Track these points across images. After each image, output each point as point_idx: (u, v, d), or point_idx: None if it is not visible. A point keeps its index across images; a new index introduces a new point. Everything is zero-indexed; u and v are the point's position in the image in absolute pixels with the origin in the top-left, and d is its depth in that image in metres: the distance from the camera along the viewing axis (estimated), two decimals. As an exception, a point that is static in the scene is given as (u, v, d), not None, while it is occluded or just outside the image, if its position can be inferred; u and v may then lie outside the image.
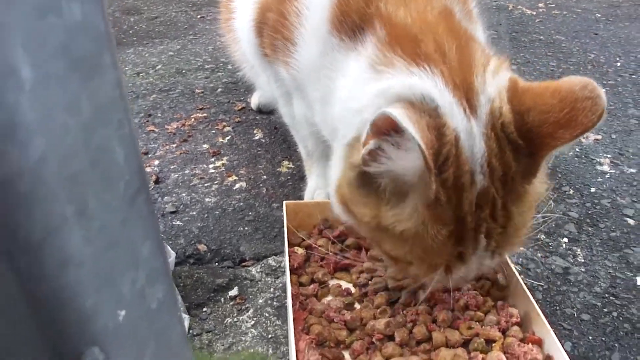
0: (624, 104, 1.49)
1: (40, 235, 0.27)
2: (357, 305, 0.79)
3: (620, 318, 0.83)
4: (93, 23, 0.29)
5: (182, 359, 0.41)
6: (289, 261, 0.81)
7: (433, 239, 0.61)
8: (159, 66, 1.78)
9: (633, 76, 1.68)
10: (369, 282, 0.81)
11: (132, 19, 2.34)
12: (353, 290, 0.81)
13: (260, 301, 0.84)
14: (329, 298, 0.80)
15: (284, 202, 0.87)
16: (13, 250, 0.27)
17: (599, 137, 1.32)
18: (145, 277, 0.35)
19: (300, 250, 0.84)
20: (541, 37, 2.01)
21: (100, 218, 0.30)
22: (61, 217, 0.28)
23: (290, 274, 0.79)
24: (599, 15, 2.30)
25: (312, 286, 0.80)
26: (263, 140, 1.27)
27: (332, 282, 0.82)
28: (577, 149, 1.26)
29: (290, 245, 0.85)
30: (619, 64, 1.78)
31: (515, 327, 0.73)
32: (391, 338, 0.72)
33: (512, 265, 0.79)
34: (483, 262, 0.66)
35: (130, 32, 2.19)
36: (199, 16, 2.35)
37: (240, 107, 1.43)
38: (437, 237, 0.61)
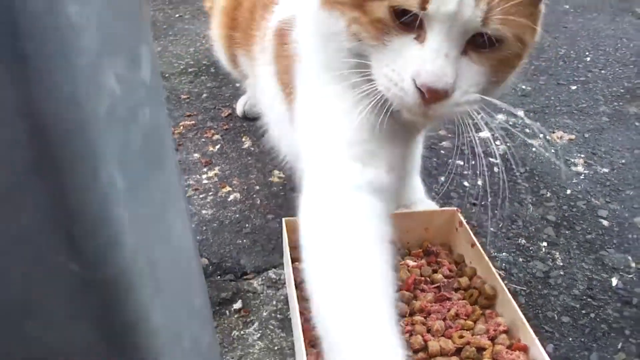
0: (595, 101, 1.56)
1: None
2: None
3: (598, 319, 0.90)
4: (159, 122, 0.33)
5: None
6: (293, 277, 0.86)
7: None
8: (141, 69, 1.79)
9: (602, 71, 1.75)
10: None
11: (108, 17, 2.34)
12: None
13: (264, 314, 0.89)
14: None
15: (283, 219, 0.92)
16: None
17: (573, 136, 1.39)
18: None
19: (301, 266, 0.89)
20: (513, 32, 2.06)
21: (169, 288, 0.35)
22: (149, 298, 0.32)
23: (295, 288, 0.85)
24: (568, 7, 2.37)
25: None
26: (252, 149, 1.31)
27: None
28: (553, 150, 1.32)
29: (292, 260, 0.90)
30: (588, 58, 1.85)
31: (503, 335, 0.79)
32: None
33: (497, 274, 0.85)
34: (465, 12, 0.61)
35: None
36: (177, 15, 2.35)
37: (227, 114, 1.46)
38: None
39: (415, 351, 0.78)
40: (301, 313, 0.81)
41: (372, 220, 0.73)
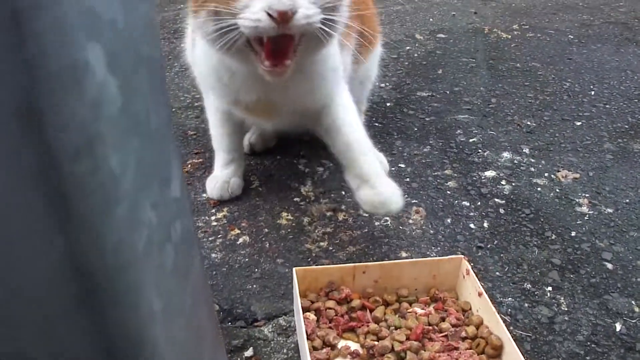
0: (600, 138, 1.58)
1: None
2: None
3: (603, 367, 0.91)
4: (187, 230, 0.35)
5: None
6: (305, 327, 0.88)
7: None
8: (150, 103, 1.82)
9: (607, 106, 1.77)
10: (375, 343, 0.88)
11: (117, 49, 2.37)
12: (361, 351, 0.88)
13: (274, 363, 0.91)
14: (339, 359, 0.88)
15: (294, 269, 0.94)
16: None
17: (577, 175, 1.40)
18: None
19: (312, 316, 0.91)
20: (518, 64, 2.09)
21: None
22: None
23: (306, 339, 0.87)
24: (572, 37, 2.39)
25: (324, 350, 0.87)
26: (260, 189, 1.33)
27: (341, 344, 0.89)
28: (557, 190, 1.34)
29: (303, 310, 0.92)
30: (593, 92, 1.87)
31: (510, 386, 0.80)
32: None
33: (503, 325, 0.86)
34: None
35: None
36: (182, 44, 2.38)
37: (235, 151, 1.49)
38: None
39: (424, 401, 0.80)
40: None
41: None
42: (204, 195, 1.32)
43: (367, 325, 0.92)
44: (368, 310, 0.95)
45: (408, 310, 0.95)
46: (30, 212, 0.23)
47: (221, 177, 1.29)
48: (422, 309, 0.96)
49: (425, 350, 0.87)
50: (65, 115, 0.23)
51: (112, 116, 0.25)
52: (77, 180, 0.24)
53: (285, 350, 0.92)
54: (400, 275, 0.98)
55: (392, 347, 0.87)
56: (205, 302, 0.37)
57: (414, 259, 1.05)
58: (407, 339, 0.89)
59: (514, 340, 0.84)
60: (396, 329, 0.91)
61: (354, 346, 0.89)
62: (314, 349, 0.88)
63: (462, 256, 0.99)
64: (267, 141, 1.49)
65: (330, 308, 0.94)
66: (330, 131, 1.14)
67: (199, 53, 1.16)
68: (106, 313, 0.27)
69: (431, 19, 2.62)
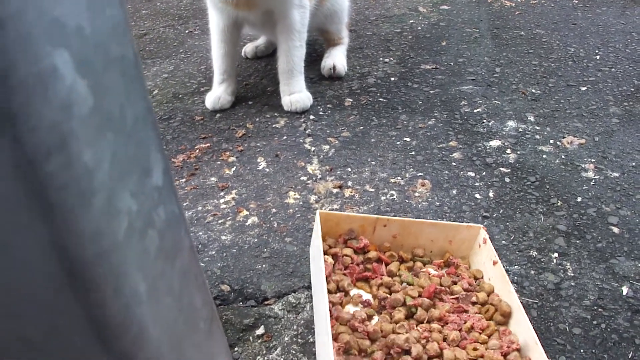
0: (605, 102, 1.58)
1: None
2: (376, 316, 0.89)
3: (608, 329, 0.92)
4: (173, 215, 0.37)
5: None
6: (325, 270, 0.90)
7: None
8: (156, 91, 1.84)
9: (612, 70, 1.76)
10: (388, 296, 0.91)
11: (122, 37, 2.39)
12: (373, 301, 0.91)
13: (286, 339, 0.93)
14: (350, 306, 0.91)
15: (317, 212, 0.97)
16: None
17: (583, 140, 1.40)
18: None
19: (329, 260, 0.94)
20: (522, 32, 2.08)
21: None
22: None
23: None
24: (576, 2, 2.37)
25: (338, 295, 0.91)
26: (267, 170, 1.35)
27: (354, 292, 0.92)
28: (563, 156, 1.34)
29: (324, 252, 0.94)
30: (598, 57, 1.86)
31: (515, 353, 0.82)
32: (408, 352, 0.82)
33: (515, 293, 0.88)
34: None
35: (123, 52, 2.24)
36: (187, 31, 2.40)
37: (241, 134, 1.50)
38: None
39: (430, 357, 0.82)
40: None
41: None
42: (213, 179, 1.34)
43: (381, 278, 0.95)
44: (383, 263, 0.98)
45: (422, 270, 0.98)
46: (14, 203, 0.25)
47: (214, 93, 1.66)
48: (435, 270, 0.98)
49: (435, 309, 0.89)
50: (35, 118, 0.25)
51: (83, 115, 0.27)
52: (52, 175, 0.26)
53: (295, 327, 0.95)
54: (418, 234, 1.00)
55: (404, 301, 0.90)
56: (196, 282, 0.39)
57: (434, 220, 1.07)
58: (419, 295, 0.91)
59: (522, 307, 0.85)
60: (409, 285, 0.94)
61: (366, 296, 0.92)
62: (329, 292, 0.90)
63: (481, 225, 1.00)
64: (267, 49, 1.99)
65: (347, 255, 0.97)
66: (281, 33, 1.56)
67: None
68: (90, 296, 0.29)
69: (434, -9, 2.60)
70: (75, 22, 0.26)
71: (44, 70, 0.24)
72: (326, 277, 0.91)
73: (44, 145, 0.25)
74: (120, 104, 0.30)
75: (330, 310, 0.86)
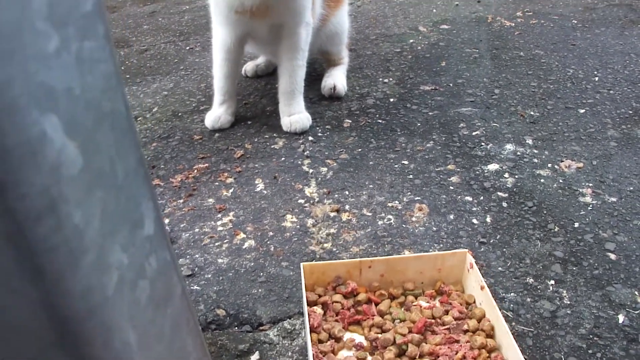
0: (603, 125, 1.58)
1: None
2: (369, 358, 0.89)
3: (604, 359, 0.92)
4: (165, 263, 0.37)
5: None
6: (309, 321, 0.90)
7: None
8: (155, 108, 1.84)
9: (611, 91, 1.77)
10: (379, 336, 0.91)
11: (122, 53, 2.40)
12: (365, 343, 0.91)
13: (280, 366, 0.93)
14: (344, 352, 0.90)
15: (301, 264, 0.97)
16: None
17: (581, 164, 1.40)
18: None
19: (318, 310, 0.94)
20: (521, 53, 2.09)
21: None
22: None
23: (310, 332, 0.90)
24: (575, 22, 2.38)
25: (329, 342, 0.90)
26: (265, 192, 1.35)
27: (346, 336, 0.92)
28: (561, 180, 1.34)
29: (309, 304, 0.94)
30: (596, 78, 1.86)
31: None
32: None
33: (501, 316, 0.88)
34: None
35: (123, 68, 2.25)
36: (187, 47, 2.41)
37: (239, 155, 1.51)
38: None
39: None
40: (316, 356, 0.86)
41: None
42: (210, 200, 1.34)
43: (372, 318, 0.95)
44: (374, 304, 0.97)
45: (413, 304, 0.98)
46: (3, 269, 0.25)
47: (214, 112, 1.67)
48: (427, 302, 0.98)
49: (426, 343, 0.89)
50: (24, 185, 0.25)
51: (72, 176, 0.27)
52: (42, 239, 0.26)
53: (290, 354, 0.94)
54: (405, 269, 1.00)
55: (394, 340, 0.89)
56: (187, 327, 0.39)
57: (418, 254, 1.07)
58: (410, 331, 0.91)
59: (516, 335, 0.85)
60: (400, 321, 0.94)
61: (358, 338, 0.92)
62: (319, 342, 0.91)
63: (466, 250, 1.00)
64: (267, 67, 2.02)
65: (336, 302, 0.97)
66: (285, 52, 1.59)
67: None
68: (81, 352, 0.29)
69: (434, 10, 2.61)
70: (64, 85, 0.26)
71: (32, 137, 0.25)
72: (316, 327, 0.92)
73: (34, 211, 0.25)
74: (111, 159, 0.30)
75: (319, 358, 0.87)
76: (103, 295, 0.29)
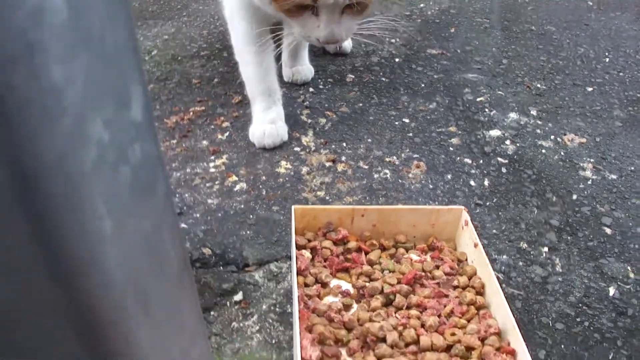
0: (610, 105, 1.55)
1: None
2: (355, 305, 0.87)
3: (591, 328, 0.90)
4: (149, 155, 0.34)
5: None
6: (296, 263, 0.88)
7: None
8: (155, 52, 1.80)
9: (621, 74, 1.73)
10: (367, 284, 0.89)
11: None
12: (352, 291, 0.89)
13: (264, 307, 0.91)
14: (330, 297, 0.88)
15: (293, 207, 0.94)
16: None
17: (584, 139, 1.38)
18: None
19: (306, 254, 0.92)
20: (533, 27, 2.04)
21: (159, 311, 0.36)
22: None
23: (297, 275, 0.88)
24: (591, 4, 2.33)
25: (315, 287, 0.88)
26: (261, 138, 1.32)
27: (334, 283, 0.90)
28: (562, 153, 1.32)
29: (297, 247, 0.92)
30: (607, 59, 1.83)
31: (494, 337, 0.80)
32: (384, 340, 0.80)
33: (494, 274, 0.86)
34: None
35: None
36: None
37: (237, 100, 1.47)
38: None
39: (407, 344, 0.80)
40: (301, 298, 0.84)
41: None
42: (204, 142, 1.31)
43: (361, 267, 0.93)
44: (363, 253, 0.95)
45: (404, 256, 0.95)
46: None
47: (267, 123, 1.28)
48: (418, 256, 0.96)
49: (414, 295, 0.88)
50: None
51: (55, 25, 0.25)
52: (15, 87, 0.23)
53: (274, 296, 0.93)
54: (398, 221, 0.98)
55: (382, 289, 0.88)
56: (170, 233, 0.37)
57: (413, 206, 1.04)
58: (398, 282, 0.89)
59: (506, 297, 0.83)
60: (390, 272, 0.92)
61: (345, 286, 0.90)
62: (305, 285, 0.89)
63: (463, 207, 0.98)
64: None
65: (326, 247, 0.95)
66: None
67: None
68: (52, 231, 0.27)
69: (448, -22, 2.56)
70: None
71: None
72: (303, 271, 0.89)
73: (6, 54, 0.22)
74: (101, 26, 0.27)
75: (306, 303, 0.84)
76: (79, 169, 0.26)
